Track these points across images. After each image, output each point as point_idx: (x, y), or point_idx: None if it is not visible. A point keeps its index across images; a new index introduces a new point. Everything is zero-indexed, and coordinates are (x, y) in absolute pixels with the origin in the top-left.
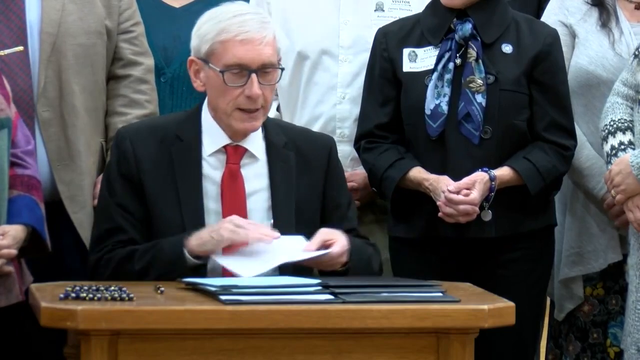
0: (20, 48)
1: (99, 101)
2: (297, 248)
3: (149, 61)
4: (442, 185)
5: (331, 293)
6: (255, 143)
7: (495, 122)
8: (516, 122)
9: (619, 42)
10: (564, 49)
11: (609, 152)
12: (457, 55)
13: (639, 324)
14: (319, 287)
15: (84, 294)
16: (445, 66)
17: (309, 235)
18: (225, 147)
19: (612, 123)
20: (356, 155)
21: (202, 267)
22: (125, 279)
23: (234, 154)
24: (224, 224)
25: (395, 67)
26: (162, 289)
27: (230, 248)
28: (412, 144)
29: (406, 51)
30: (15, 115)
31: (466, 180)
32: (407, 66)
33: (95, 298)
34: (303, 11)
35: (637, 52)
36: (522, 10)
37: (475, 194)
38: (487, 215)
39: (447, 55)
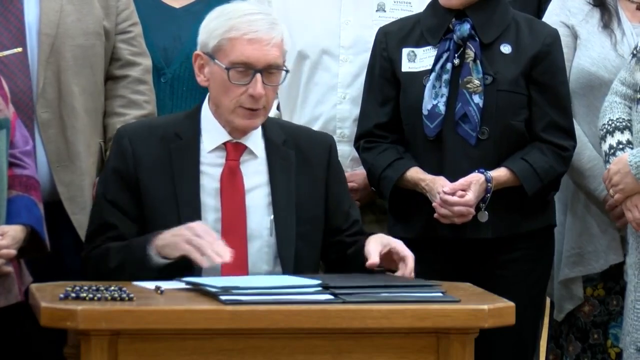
0: (19, 49)
1: (98, 102)
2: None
3: (147, 61)
4: (438, 186)
5: (331, 293)
6: (255, 141)
7: (493, 123)
8: (514, 122)
9: (621, 43)
10: (566, 49)
11: (607, 151)
12: (456, 55)
13: (637, 323)
14: (319, 287)
15: (84, 294)
16: (443, 66)
17: (311, 231)
18: (225, 144)
19: (610, 122)
20: (356, 155)
21: (172, 265)
22: (104, 278)
23: (234, 150)
24: (183, 231)
25: (394, 67)
26: (163, 289)
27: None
28: (411, 144)
29: (405, 51)
30: (13, 115)
31: (462, 181)
32: (406, 66)
33: (95, 298)
34: (304, 10)
35: (635, 52)
36: (522, 10)
37: (471, 196)
38: (484, 217)
39: (445, 56)
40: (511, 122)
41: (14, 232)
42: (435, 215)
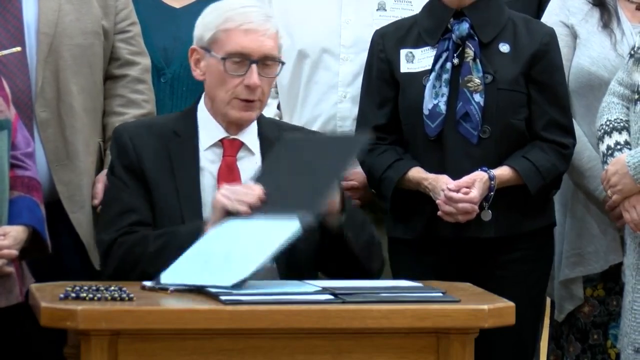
0: (18, 49)
1: (97, 101)
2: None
3: (146, 61)
4: (442, 183)
5: (331, 293)
6: (251, 137)
7: (494, 122)
8: (514, 121)
9: (621, 42)
10: (565, 49)
11: (605, 152)
12: (455, 55)
13: (635, 324)
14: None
15: (84, 294)
16: (442, 66)
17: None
18: (221, 140)
19: (608, 123)
20: None
21: None
22: (136, 263)
23: (230, 146)
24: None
25: (392, 68)
26: (172, 289)
27: None
28: (411, 144)
29: (403, 52)
30: (15, 117)
31: (466, 178)
32: (405, 67)
33: (95, 298)
34: (304, 10)
35: (632, 52)
36: (522, 10)
37: (475, 193)
38: (487, 215)
39: (444, 56)
40: (511, 120)
41: (16, 233)
42: (439, 213)
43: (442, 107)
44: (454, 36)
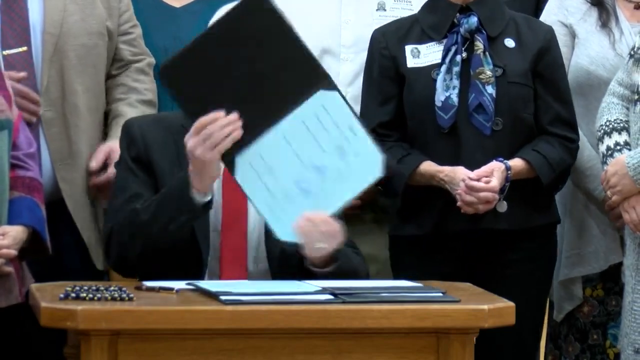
0: (24, 48)
1: (100, 101)
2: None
3: (150, 59)
4: (460, 174)
5: (331, 293)
6: None
7: (505, 114)
8: (524, 114)
9: (620, 42)
10: (564, 49)
11: (605, 152)
12: (463, 48)
13: (635, 324)
14: (319, 288)
15: (84, 294)
16: (452, 59)
17: None
18: None
19: (607, 123)
20: None
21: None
22: (134, 236)
23: None
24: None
25: (397, 64)
26: (177, 288)
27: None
28: (419, 138)
29: (408, 48)
30: (18, 117)
31: (485, 168)
32: (412, 62)
33: (95, 298)
34: (304, 10)
35: (632, 52)
36: (520, 10)
37: (495, 182)
38: (503, 207)
39: (453, 49)
40: (521, 114)
41: (15, 233)
42: (459, 203)
43: (455, 99)
44: (462, 30)
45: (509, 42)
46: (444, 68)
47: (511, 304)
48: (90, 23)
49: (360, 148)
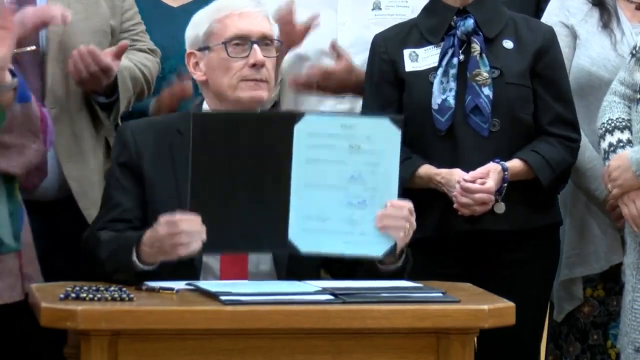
0: (34, 47)
1: None
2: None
3: (155, 48)
4: (456, 176)
5: (331, 293)
6: None
7: (503, 116)
8: (522, 115)
9: (621, 42)
10: (566, 49)
11: (607, 148)
12: (460, 51)
13: (635, 323)
14: (319, 288)
15: (84, 294)
16: (449, 62)
17: None
18: None
19: (609, 122)
20: None
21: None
22: (94, 267)
23: None
24: (159, 235)
25: (396, 68)
26: (178, 289)
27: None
28: (418, 141)
29: (407, 52)
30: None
31: (481, 170)
32: (410, 66)
33: (95, 298)
34: (302, 14)
35: (634, 52)
36: (521, 11)
37: (491, 183)
38: (500, 208)
39: (450, 52)
40: (520, 115)
41: None
42: (455, 205)
43: (451, 101)
44: (458, 32)
45: (507, 43)
46: (440, 71)
47: (511, 304)
48: (94, 22)
49: (366, 130)
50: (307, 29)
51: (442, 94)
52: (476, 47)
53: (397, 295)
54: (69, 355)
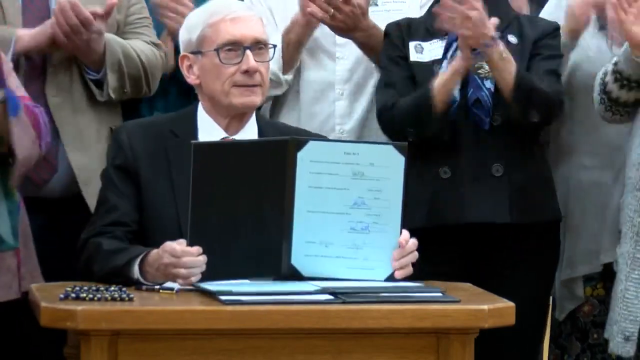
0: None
1: None
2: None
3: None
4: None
5: (331, 293)
6: (250, 138)
7: (505, 108)
8: None
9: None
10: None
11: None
12: None
13: (626, 312)
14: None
15: (84, 294)
16: (453, 55)
17: None
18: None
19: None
20: None
21: None
22: (90, 276)
23: None
24: (164, 260)
25: (406, 53)
26: (177, 289)
27: None
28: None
29: (412, 43)
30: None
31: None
32: (415, 57)
33: (95, 298)
34: (294, 9)
35: None
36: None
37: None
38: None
39: (455, 45)
40: None
41: None
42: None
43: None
44: None
45: (512, 38)
46: (445, 64)
47: (511, 304)
48: None
49: (369, 157)
50: None
51: None
52: None
53: (397, 295)
54: (69, 355)
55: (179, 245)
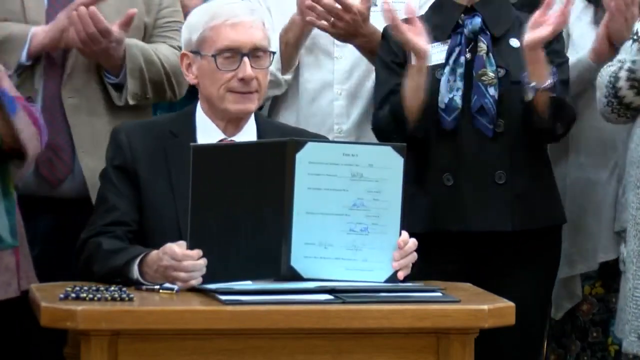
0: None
1: None
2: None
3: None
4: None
5: (331, 293)
6: (249, 139)
7: (508, 115)
8: None
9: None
10: None
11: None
12: (467, 49)
13: (637, 311)
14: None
15: (84, 294)
16: (456, 60)
17: None
18: (220, 142)
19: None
20: None
21: None
22: (90, 276)
23: None
24: (164, 263)
25: (405, 57)
26: (177, 288)
27: None
28: (422, 138)
29: None
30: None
31: None
32: (415, 61)
33: (95, 298)
34: (292, 10)
35: (635, 37)
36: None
37: None
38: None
39: (457, 50)
40: None
41: None
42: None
43: (458, 100)
44: (466, 31)
45: (514, 42)
46: (447, 69)
47: (511, 304)
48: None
49: (368, 158)
50: None
51: (449, 92)
52: (483, 46)
53: (397, 295)
54: (69, 355)
55: (179, 248)
